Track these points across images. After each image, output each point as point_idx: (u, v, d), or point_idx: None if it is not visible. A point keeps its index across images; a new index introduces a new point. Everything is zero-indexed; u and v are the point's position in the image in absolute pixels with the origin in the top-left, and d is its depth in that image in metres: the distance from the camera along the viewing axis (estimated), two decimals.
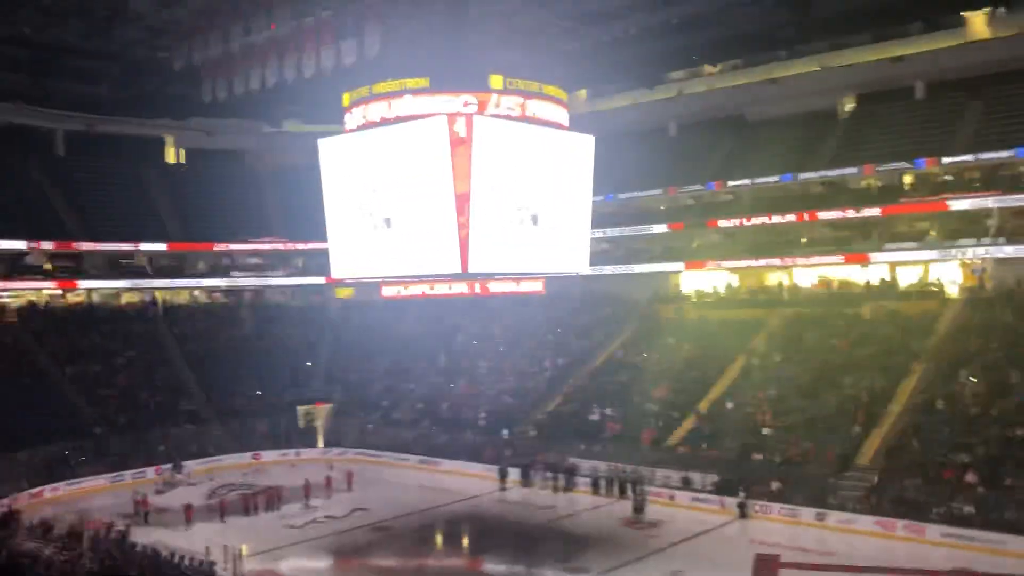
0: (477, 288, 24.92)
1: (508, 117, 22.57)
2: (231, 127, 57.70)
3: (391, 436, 43.24)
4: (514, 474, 36.72)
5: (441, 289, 24.74)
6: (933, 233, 39.45)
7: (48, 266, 48.73)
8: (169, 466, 38.87)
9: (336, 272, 26.60)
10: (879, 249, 40.16)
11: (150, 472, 38.63)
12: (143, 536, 27.11)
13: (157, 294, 52.41)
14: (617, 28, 41.14)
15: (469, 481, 37.42)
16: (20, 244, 46.97)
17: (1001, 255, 36.81)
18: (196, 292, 54.83)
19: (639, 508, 31.81)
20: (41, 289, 48.74)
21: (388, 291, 26.41)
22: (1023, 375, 31.91)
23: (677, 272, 47.39)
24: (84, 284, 49.63)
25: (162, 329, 49.60)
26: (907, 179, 41.50)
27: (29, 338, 45.09)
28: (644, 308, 47.34)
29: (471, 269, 21.90)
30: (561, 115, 24.61)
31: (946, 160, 39.64)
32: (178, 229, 53.10)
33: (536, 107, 23.39)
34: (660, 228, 47.41)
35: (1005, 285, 37.47)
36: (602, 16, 39.04)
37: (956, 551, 26.35)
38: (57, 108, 51.78)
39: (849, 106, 47.67)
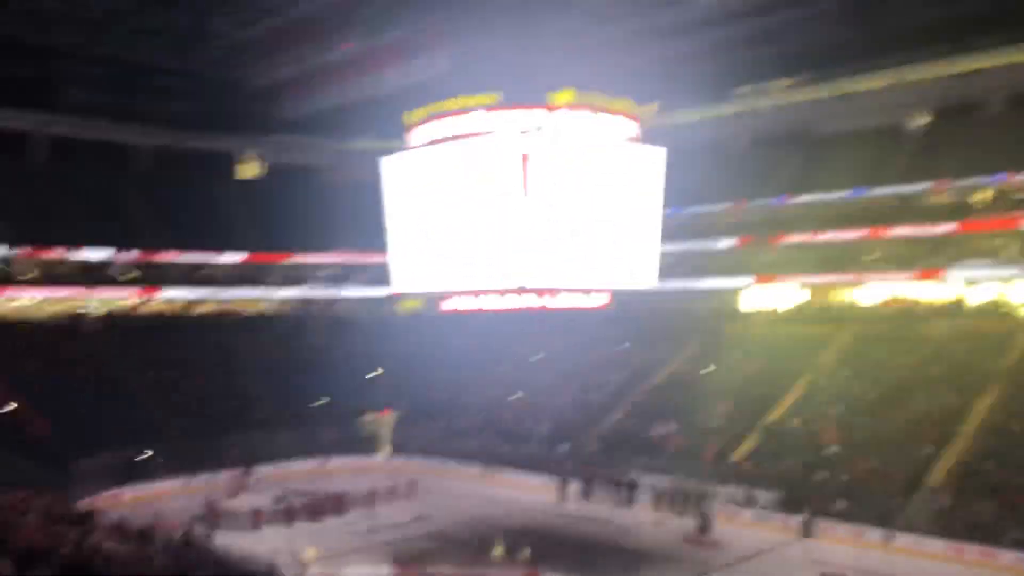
0: (547, 302, 25.16)
1: (577, 131, 22.85)
2: (306, 144, 59.37)
3: (454, 446, 43.58)
4: (575, 487, 36.76)
5: (509, 303, 25.08)
6: (1009, 251, 38.41)
7: (131, 275, 50.71)
8: (240, 471, 39.84)
9: (399, 285, 27.15)
10: (952, 266, 39.22)
11: (221, 477, 39.71)
12: (213, 539, 27.88)
13: (233, 304, 53.91)
14: (687, 43, 41.20)
15: (530, 493, 37.54)
16: (105, 254, 49.09)
17: None
18: (270, 302, 56.29)
19: (705, 527, 31.13)
20: (124, 298, 50.66)
21: (454, 304, 26.86)
22: None
23: (744, 287, 46.95)
24: (164, 293, 51.49)
25: (236, 337, 50.98)
26: (982, 195, 40.50)
27: (110, 346, 46.81)
28: (709, 323, 47.00)
29: (536, 283, 22.20)
30: (631, 128, 24.78)
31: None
32: (254, 241, 54.67)
33: (606, 121, 23.62)
34: (728, 243, 47.06)
35: None
36: (672, 31, 39.16)
37: None
38: (142, 124, 53.86)
39: (922, 121, 46.77)
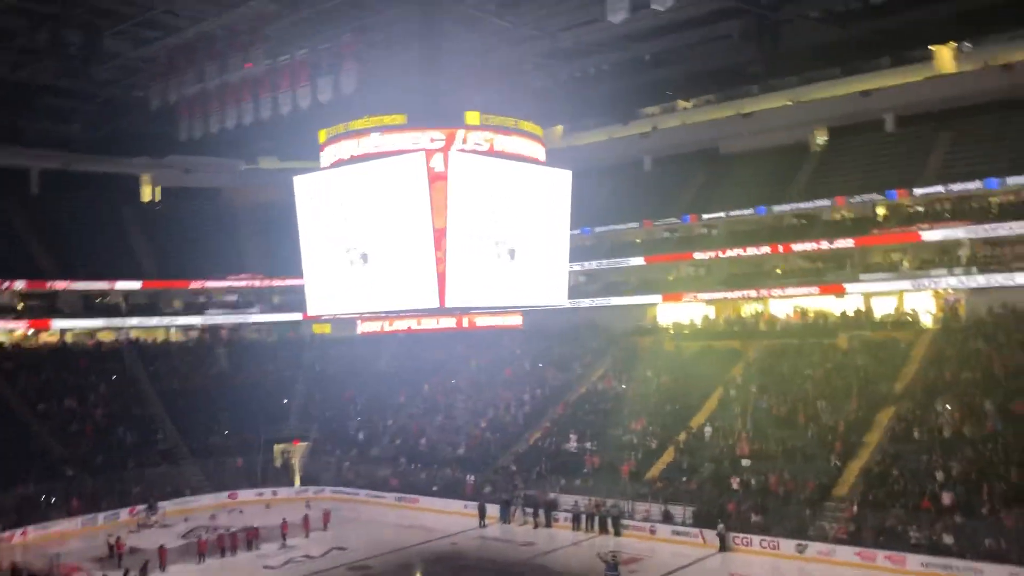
0: (465, 323, 24.88)
1: (485, 152, 22.70)
2: (207, 165, 57.78)
3: (368, 473, 42.89)
4: (493, 510, 36.46)
5: (426, 324, 24.69)
6: (906, 263, 39.90)
7: (20, 305, 48.26)
8: (143, 507, 38.30)
9: (313, 309, 26.45)
10: (854, 280, 40.47)
11: (124, 513, 38.06)
12: None
13: (132, 333, 51.88)
14: (590, 65, 41.70)
15: (448, 518, 37.13)
16: None
17: (973, 284, 37.21)
18: (172, 330, 54.36)
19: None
20: (13, 329, 48.17)
21: (367, 327, 26.25)
22: (996, 403, 32.16)
23: (654, 304, 47.59)
24: (57, 324, 49.11)
25: (137, 368, 49.03)
26: (879, 210, 42.05)
27: (1, 378, 44.40)
28: (622, 340, 47.45)
29: (449, 304, 21.88)
30: (537, 150, 24.78)
31: (917, 191, 40.18)
32: (154, 267, 52.82)
33: (512, 143, 23.54)
34: (637, 261, 47.65)
35: (977, 314, 37.90)
36: (575, 53, 39.47)
37: None
38: (32, 146, 51.50)
39: (821, 139, 48.41)
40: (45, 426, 42.33)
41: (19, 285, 47.37)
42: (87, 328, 50.93)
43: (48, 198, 54.07)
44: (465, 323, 24.49)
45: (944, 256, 38.97)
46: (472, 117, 22.83)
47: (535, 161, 24.51)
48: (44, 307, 48.88)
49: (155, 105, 35.55)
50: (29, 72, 38.94)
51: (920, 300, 39.87)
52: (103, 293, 51.30)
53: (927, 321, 39.36)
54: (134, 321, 51.37)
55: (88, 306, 50.75)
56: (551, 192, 24.99)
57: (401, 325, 24.96)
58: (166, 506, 39.04)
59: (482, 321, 25.20)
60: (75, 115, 47.68)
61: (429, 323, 24.55)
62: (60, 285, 48.71)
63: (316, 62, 32.53)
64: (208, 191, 60.52)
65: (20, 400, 43.40)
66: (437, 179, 21.57)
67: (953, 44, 43.45)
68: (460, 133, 22.45)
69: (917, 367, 36.46)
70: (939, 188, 39.59)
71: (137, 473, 40.54)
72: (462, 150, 22.06)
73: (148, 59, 35.40)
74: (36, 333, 49.19)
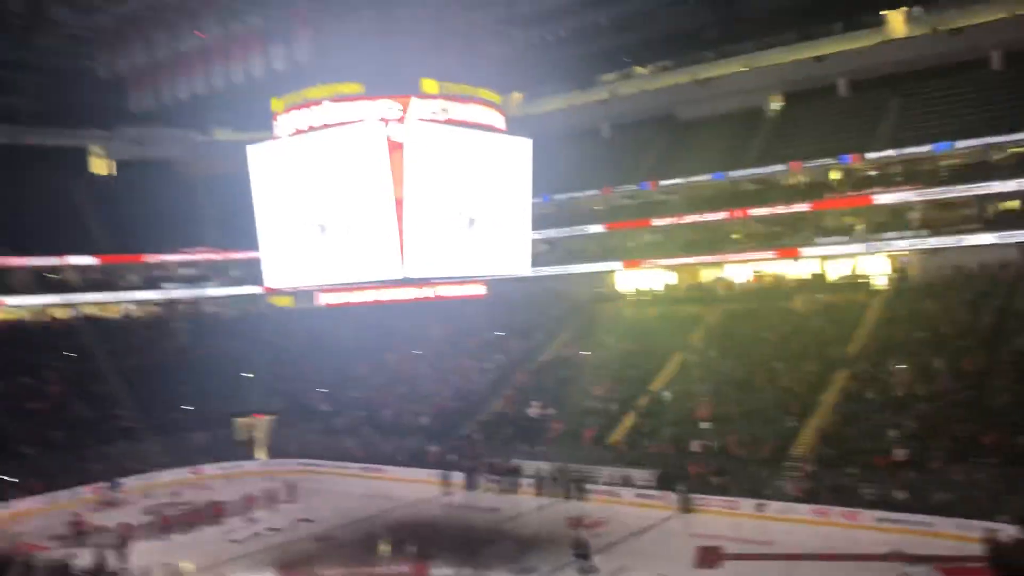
0: (429, 293, 24.93)
1: (443, 121, 22.64)
2: (160, 136, 56.66)
3: (333, 445, 42.82)
4: (458, 478, 36.71)
5: (389, 295, 24.69)
6: (860, 227, 40.59)
7: None
8: (105, 484, 37.92)
9: (270, 281, 26.29)
10: (809, 244, 41.13)
11: (85, 491, 37.66)
12: (81, 559, 26.40)
13: (88, 309, 51.03)
14: (548, 31, 41.51)
15: (413, 487, 37.26)
16: None
17: (924, 247, 38.01)
18: (129, 305, 53.55)
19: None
20: None
21: (328, 298, 26.17)
22: (946, 361, 33.00)
23: (614, 271, 47.92)
24: (10, 301, 48.16)
25: (93, 344, 48.30)
26: (833, 175, 42.62)
27: None
28: (583, 307, 47.80)
29: (411, 274, 21.91)
30: (496, 118, 24.77)
31: (869, 156, 40.80)
32: (107, 241, 51.88)
33: (471, 111, 23.51)
34: (596, 228, 47.89)
35: (928, 275, 38.75)
36: (533, 19, 39.29)
37: (889, 535, 27.14)
38: None
39: (776, 104, 48.84)
40: (0, 405, 41.65)
41: None
42: (40, 305, 50.01)
43: None
44: (429, 293, 24.55)
45: (896, 219, 39.69)
46: (429, 85, 22.74)
47: (494, 129, 24.50)
48: None
49: (105, 75, 34.77)
50: None
51: (873, 262, 40.66)
52: (55, 269, 50.35)
53: (880, 283, 40.15)
54: (89, 297, 50.53)
55: (41, 282, 49.78)
56: (511, 160, 25.03)
57: (363, 296, 24.93)
58: (128, 483, 38.67)
59: (445, 291, 25.28)
60: (21, 87, 46.47)
61: (392, 294, 24.55)
62: (11, 262, 47.71)
63: (269, 30, 31.98)
64: (161, 163, 59.37)
65: None
66: (395, 148, 21.51)
67: (904, 9, 43.94)
68: (416, 102, 22.35)
69: (870, 328, 37.24)
70: (891, 152, 40.27)
71: (97, 450, 40.09)
72: (420, 119, 21.98)
73: (97, 28, 34.50)
74: None
